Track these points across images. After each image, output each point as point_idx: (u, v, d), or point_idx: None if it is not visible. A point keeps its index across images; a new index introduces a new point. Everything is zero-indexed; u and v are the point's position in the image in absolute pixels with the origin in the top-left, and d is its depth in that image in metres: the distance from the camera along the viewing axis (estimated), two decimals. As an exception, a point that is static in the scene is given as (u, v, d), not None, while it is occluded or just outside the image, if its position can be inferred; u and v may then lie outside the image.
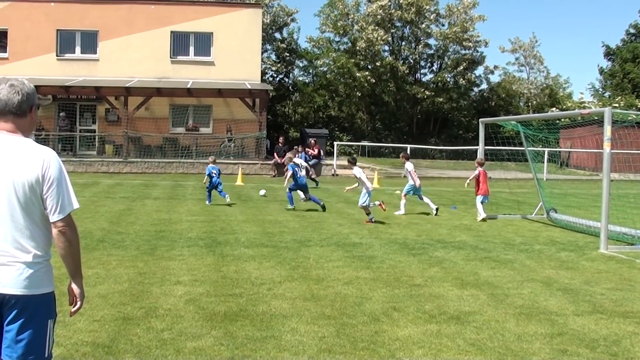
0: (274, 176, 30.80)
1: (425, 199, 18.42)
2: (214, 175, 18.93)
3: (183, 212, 17.10)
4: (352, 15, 52.09)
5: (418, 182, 18.44)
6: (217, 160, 20.27)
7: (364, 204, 16.19)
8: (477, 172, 17.80)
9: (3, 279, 3.74)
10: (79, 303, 4.08)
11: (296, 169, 18.40)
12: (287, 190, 18.49)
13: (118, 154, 33.00)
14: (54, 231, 3.86)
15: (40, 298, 3.84)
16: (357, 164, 17.32)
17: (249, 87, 33.89)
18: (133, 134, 33.16)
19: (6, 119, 3.92)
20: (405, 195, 18.47)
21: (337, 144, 37.64)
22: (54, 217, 3.84)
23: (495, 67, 56.12)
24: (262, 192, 21.63)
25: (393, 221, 16.51)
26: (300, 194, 17.01)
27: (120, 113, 33.40)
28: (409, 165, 18.63)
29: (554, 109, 53.82)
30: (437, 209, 18.10)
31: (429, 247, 12.72)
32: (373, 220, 15.95)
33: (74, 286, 4.06)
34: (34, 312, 3.80)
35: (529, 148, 19.46)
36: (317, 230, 14.45)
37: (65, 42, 36.39)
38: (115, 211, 16.87)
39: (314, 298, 8.33)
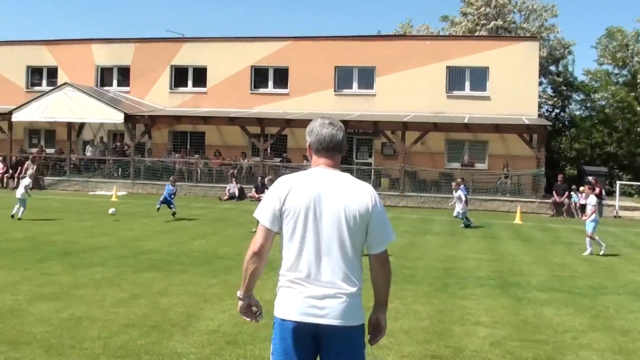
0: (552, 215, 29.69)
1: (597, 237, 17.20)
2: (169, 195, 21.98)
3: (467, 249, 17.15)
4: (632, 46, 49.30)
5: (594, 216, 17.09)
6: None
7: None
8: None
9: (329, 310, 3.89)
10: (382, 333, 4.19)
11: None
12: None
13: (394, 188, 33.79)
14: (374, 262, 4.06)
15: (359, 329, 3.99)
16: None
17: (527, 122, 33.20)
18: (409, 168, 33.86)
19: (329, 155, 4.18)
20: (592, 234, 17.16)
21: (620, 184, 35.35)
22: (377, 249, 4.04)
23: None
24: (112, 210, 20.92)
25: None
26: None
27: (397, 147, 34.27)
28: (593, 199, 17.39)
29: None
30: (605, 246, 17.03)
31: None
32: None
33: (379, 316, 4.18)
34: (354, 343, 3.96)
35: None
36: (610, 277, 13.78)
37: (342, 78, 38.08)
38: (399, 245, 17.26)
39: (622, 352, 7.99)
